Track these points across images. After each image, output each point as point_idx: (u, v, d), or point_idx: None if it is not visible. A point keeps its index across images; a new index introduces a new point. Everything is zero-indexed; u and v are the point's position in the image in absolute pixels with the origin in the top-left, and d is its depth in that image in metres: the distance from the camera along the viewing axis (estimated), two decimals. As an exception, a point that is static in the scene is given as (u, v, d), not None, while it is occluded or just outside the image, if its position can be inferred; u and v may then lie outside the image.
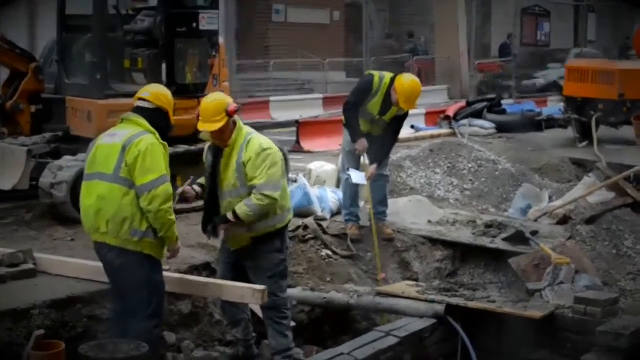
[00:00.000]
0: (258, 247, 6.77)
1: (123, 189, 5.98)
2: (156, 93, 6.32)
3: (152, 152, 5.96)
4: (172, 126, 6.38)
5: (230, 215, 6.58)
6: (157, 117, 6.19)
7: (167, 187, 5.99)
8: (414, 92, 9.05)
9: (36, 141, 9.60)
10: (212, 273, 7.78)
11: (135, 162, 5.93)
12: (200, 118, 6.62)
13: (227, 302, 6.94)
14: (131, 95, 9.40)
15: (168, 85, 9.47)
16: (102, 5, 9.53)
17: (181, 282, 6.88)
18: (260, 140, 6.68)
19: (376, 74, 9.42)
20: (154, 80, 9.69)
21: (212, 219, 6.78)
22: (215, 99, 6.68)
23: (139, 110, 6.22)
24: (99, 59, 9.45)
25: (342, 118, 9.53)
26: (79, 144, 9.50)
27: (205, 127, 6.57)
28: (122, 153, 5.99)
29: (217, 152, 6.72)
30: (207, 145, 6.90)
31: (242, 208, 6.54)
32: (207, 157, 6.83)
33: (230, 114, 6.56)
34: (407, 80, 9.12)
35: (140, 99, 6.28)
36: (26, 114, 9.77)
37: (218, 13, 10.09)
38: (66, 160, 8.98)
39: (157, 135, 6.10)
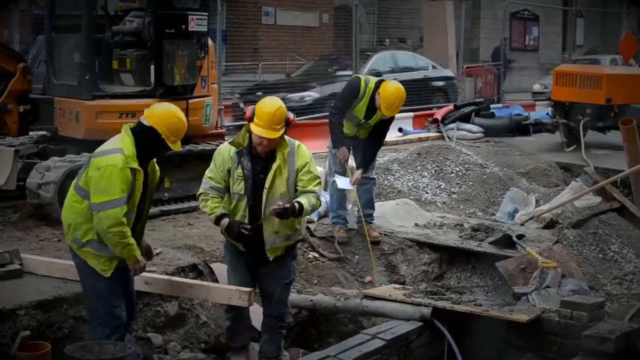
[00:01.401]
0: (287, 255, 6.77)
1: (76, 196, 6.01)
2: (153, 113, 6.02)
3: (109, 173, 5.79)
4: (163, 148, 6.03)
5: (297, 206, 6.36)
6: (144, 136, 5.97)
7: (116, 212, 5.76)
8: (396, 99, 9.04)
9: (23, 141, 9.59)
10: (198, 274, 7.78)
11: (92, 179, 5.86)
12: (258, 123, 6.28)
13: (239, 325, 6.89)
14: (119, 96, 9.47)
15: (155, 86, 9.49)
16: (91, 6, 9.49)
17: (168, 283, 6.87)
18: (304, 146, 6.64)
19: (362, 77, 9.43)
20: (142, 82, 9.68)
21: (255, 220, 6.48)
22: (280, 106, 6.34)
23: (137, 124, 6.08)
24: (87, 60, 9.40)
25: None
26: (66, 145, 9.49)
27: (267, 134, 6.26)
28: (87, 163, 6.01)
29: (255, 158, 6.46)
30: (233, 151, 6.48)
31: (306, 206, 6.41)
32: (236, 164, 6.47)
33: (289, 123, 6.40)
34: (391, 87, 9.09)
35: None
36: (14, 114, 9.72)
37: (207, 14, 10.07)
38: (54, 160, 8.94)
39: (128, 157, 5.85)
